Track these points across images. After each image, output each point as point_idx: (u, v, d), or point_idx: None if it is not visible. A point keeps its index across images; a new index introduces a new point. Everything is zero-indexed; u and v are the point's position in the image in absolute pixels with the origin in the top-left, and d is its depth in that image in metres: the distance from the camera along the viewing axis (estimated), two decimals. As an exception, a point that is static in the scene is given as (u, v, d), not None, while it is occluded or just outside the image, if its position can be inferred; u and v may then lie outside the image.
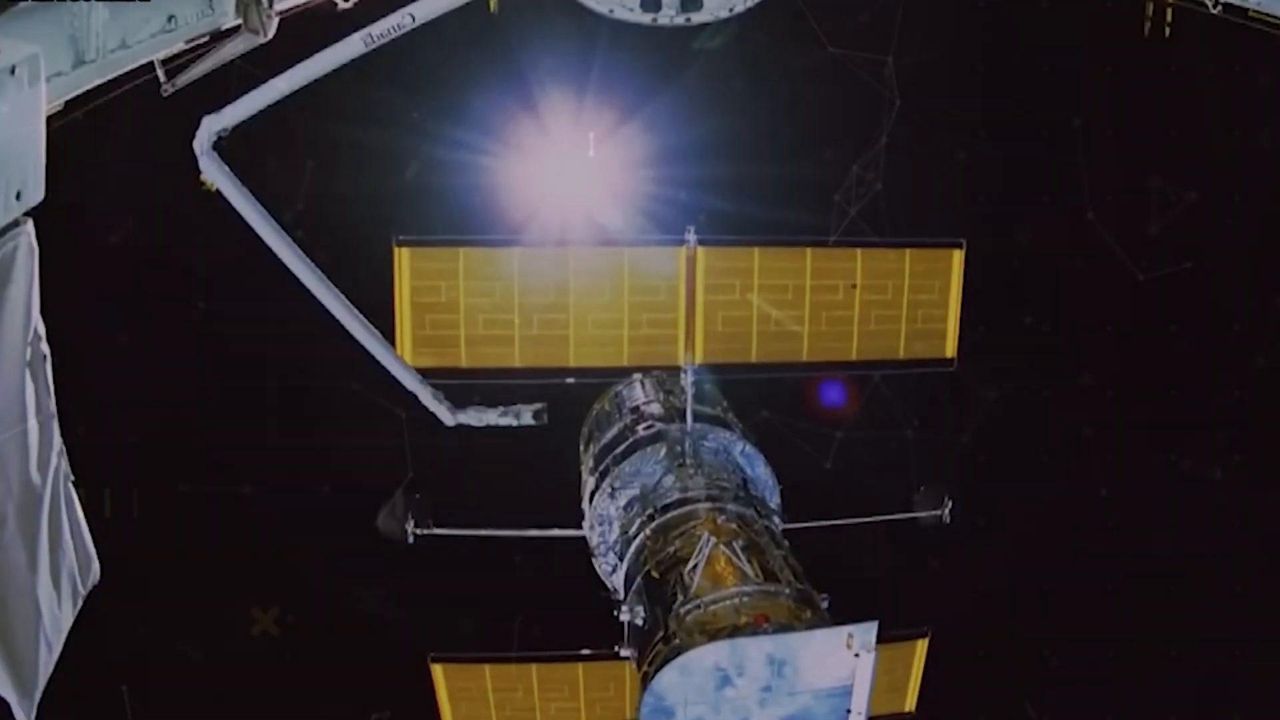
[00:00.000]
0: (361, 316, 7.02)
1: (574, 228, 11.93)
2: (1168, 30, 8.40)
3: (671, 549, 6.21)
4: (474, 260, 8.07)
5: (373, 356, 7.38)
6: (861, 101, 12.07)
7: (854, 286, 8.30)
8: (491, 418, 7.95)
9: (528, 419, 7.94)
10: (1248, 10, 5.92)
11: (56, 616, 4.40)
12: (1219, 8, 5.96)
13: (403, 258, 7.95)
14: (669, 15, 6.21)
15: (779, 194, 11.80)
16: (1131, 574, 12.32)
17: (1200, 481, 12.47)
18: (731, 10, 6.27)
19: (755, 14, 6.34)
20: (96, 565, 4.72)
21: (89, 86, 4.51)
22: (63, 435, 4.40)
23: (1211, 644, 12.29)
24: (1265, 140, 11.54)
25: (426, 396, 7.81)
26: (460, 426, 7.98)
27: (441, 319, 8.09)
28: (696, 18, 6.24)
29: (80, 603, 4.59)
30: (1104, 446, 12.83)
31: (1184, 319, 12.77)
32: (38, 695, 4.29)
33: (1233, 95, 11.45)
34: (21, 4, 4.16)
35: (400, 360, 7.70)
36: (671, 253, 8.08)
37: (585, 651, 8.89)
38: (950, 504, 8.74)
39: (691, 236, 7.98)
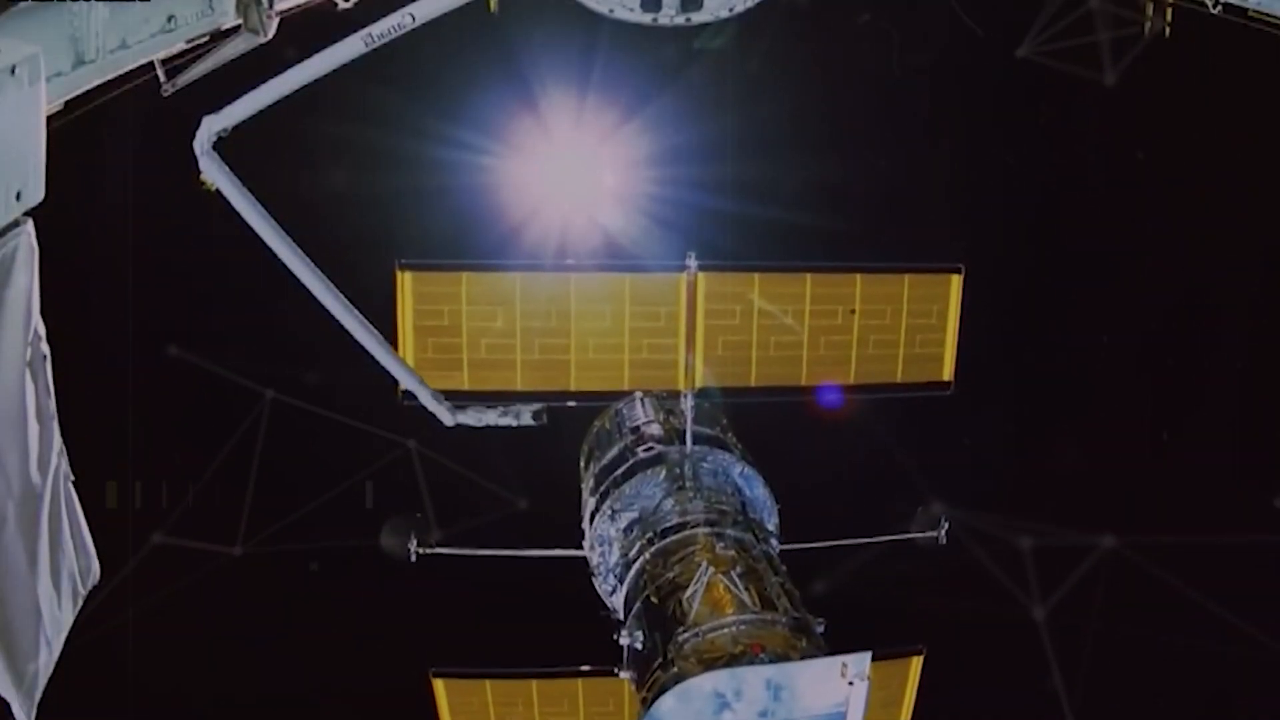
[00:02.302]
0: (362, 317, 7.01)
1: (575, 232, 11.95)
2: (1168, 30, 8.41)
3: (671, 574, 6.31)
4: (476, 284, 8.19)
5: (373, 357, 7.38)
6: (864, 101, 12.09)
7: (853, 312, 8.41)
8: (491, 418, 7.98)
9: (527, 419, 7.98)
10: (1248, 10, 5.92)
11: (56, 616, 4.40)
12: (1219, 8, 5.96)
13: (405, 281, 8.03)
14: (669, 15, 6.21)
15: (780, 194, 11.81)
16: (1128, 594, 12.32)
17: (1200, 503, 12.44)
18: (732, 10, 6.27)
19: (755, 14, 6.34)
20: (96, 565, 4.72)
21: (89, 86, 4.51)
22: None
23: (1209, 663, 12.30)
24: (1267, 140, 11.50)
25: (426, 397, 7.82)
26: (461, 427, 8.02)
27: (444, 342, 8.20)
28: (697, 18, 6.25)
29: (80, 603, 4.60)
30: (1102, 465, 12.82)
31: (1186, 337, 12.77)
32: (38, 695, 4.29)
33: (1233, 95, 11.42)
34: (21, 4, 4.16)
35: (401, 361, 7.72)
36: (672, 278, 8.20)
37: (585, 668, 8.95)
38: (947, 525, 8.81)
39: (693, 262, 8.11)
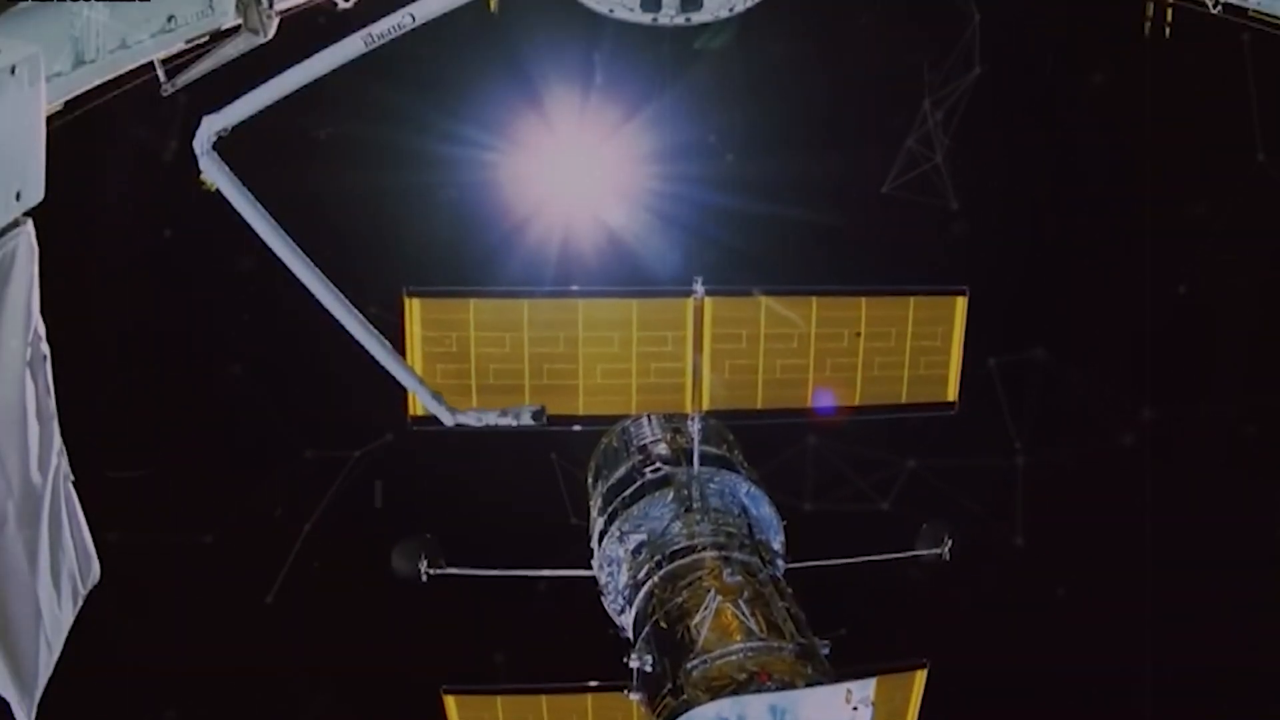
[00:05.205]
0: (361, 316, 7.00)
1: (576, 232, 11.96)
2: (1168, 30, 8.42)
3: (679, 599, 6.44)
4: (484, 311, 8.30)
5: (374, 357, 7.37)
6: (864, 101, 12.09)
7: (858, 334, 8.50)
8: (491, 419, 7.97)
9: (527, 420, 7.97)
10: (1248, 10, 5.92)
11: (56, 616, 4.40)
12: (1219, 8, 5.95)
13: (413, 308, 8.08)
14: (669, 15, 6.20)
15: (781, 194, 11.81)
16: (1130, 608, 12.33)
17: (1202, 517, 12.43)
18: (732, 10, 6.27)
19: (755, 14, 6.34)
20: (96, 565, 4.72)
21: (89, 86, 4.51)
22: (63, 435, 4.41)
23: (1210, 674, 12.30)
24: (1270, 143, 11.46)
25: (426, 398, 7.81)
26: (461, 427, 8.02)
27: (453, 368, 8.30)
28: (696, 18, 6.24)
29: (80, 603, 4.60)
30: (1104, 479, 12.82)
31: (1190, 351, 12.76)
32: (38, 695, 4.29)
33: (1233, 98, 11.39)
34: (21, 4, 4.16)
35: (402, 361, 7.71)
36: (679, 303, 8.32)
37: (593, 683, 9.02)
38: (950, 542, 8.83)
39: (699, 288, 8.22)
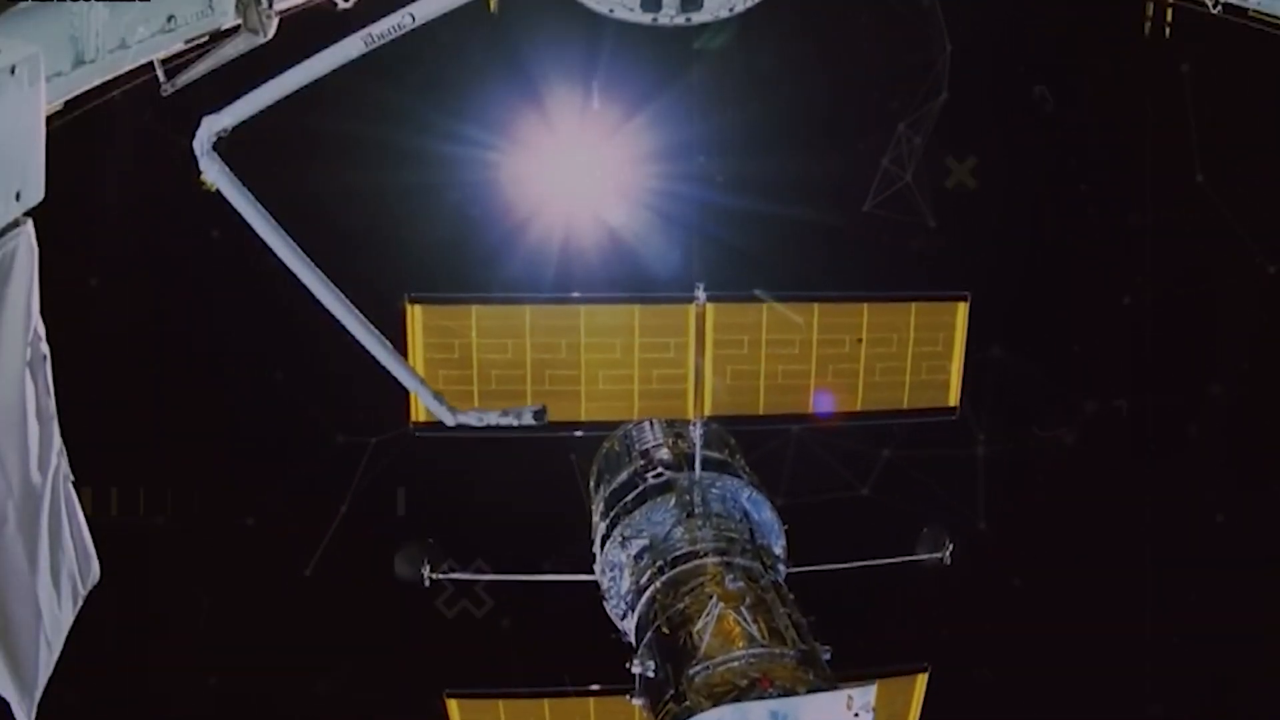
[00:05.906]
0: (361, 316, 6.99)
1: (575, 232, 11.96)
2: (1168, 30, 8.44)
3: (681, 605, 6.46)
4: (486, 317, 8.39)
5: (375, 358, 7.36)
6: (864, 101, 12.10)
7: (860, 341, 8.54)
8: (492, 418, 7.96)
9: (528, 419, 7.96)
10: (1248, 10, 5.92)
11: (56, 616, 4.40)
12: (1219, 8, 5.96)
13: (415, 314, 8.11)
14: (669, 15, 6.20)
15: (781, 193, 11.81)
16: (1133, 613, 12.33)
17: (1204, 524, 12.41)
18: (732, 10, 6.27)
19: (755, 14, 6.34)
20: (96, 565, 4.72)
21: (89, 86, 4.51)
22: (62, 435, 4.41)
23: (1211, 678, 12.30)
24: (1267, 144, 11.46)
25: (427, 398, 7.80)
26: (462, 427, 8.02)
27: (454, 374, 8.37)
28: (697, 18, 6.24)
29: (80, 603, 4.60)
30: (1106, 485, 12.83)
31: (1190, 359, 12.75)
32: (38, 695, 4.29)
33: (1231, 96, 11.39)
34: (21, 4, 4.16)
35: (403, 361, 7.70)
36: (681, 309, 8.42)
37: (595, 687, 9.06)
38: (951, 547, 8.86)
39: (701, 294, 8.28)
